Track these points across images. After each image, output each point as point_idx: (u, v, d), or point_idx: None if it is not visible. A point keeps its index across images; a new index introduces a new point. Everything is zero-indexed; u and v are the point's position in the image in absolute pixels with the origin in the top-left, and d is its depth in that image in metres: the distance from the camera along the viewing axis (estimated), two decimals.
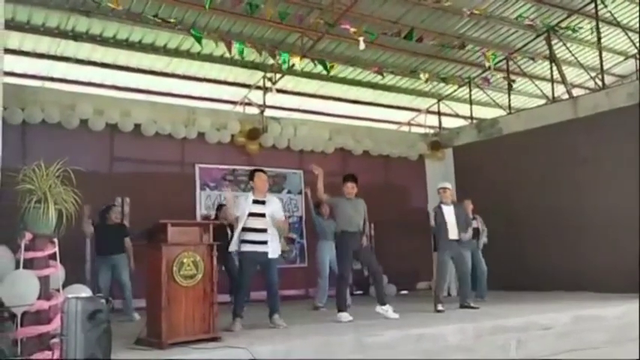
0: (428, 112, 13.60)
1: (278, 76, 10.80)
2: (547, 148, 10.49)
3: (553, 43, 11.34)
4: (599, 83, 11.02)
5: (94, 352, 4.16)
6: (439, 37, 10.83)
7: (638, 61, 12.15)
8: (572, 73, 12.58)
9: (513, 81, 12.18)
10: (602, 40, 11.03)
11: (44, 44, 9.45)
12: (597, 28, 10.65)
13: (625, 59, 13.08)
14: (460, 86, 12.81)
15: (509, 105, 12.38)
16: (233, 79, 11.29)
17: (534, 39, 11.53)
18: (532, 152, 10.74)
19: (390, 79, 12.14)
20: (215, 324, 5.30)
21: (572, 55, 11.66)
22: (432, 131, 13.48)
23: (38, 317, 4.40)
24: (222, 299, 6.73)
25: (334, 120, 12.68)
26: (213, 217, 9.18)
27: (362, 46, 9.00)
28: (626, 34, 11.29)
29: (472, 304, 7.68)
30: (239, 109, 11.42)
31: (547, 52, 11.53)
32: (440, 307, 7.37)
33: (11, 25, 8.78)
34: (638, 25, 11.36)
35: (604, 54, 11.15)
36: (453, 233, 7.78)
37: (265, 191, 6.48)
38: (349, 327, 6.10)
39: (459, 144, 12.62)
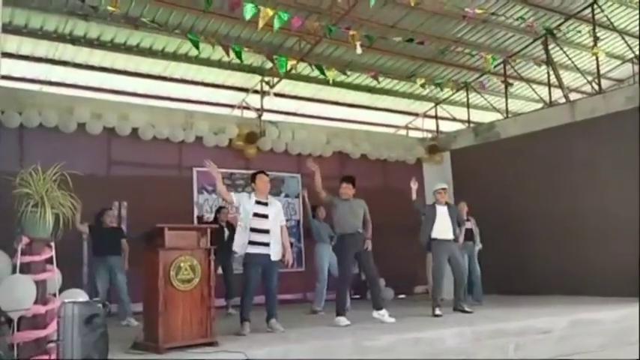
0: (425, 115, 13.63)
1: (276, 79, 10.81)
2: (544, 151, 10.49)
3: (550, 47, 11.37)
4: (596, 87, 11.05)
5: (91, 356, 4.15)
6: (437, 41, 10.87)
7: (638, 66, 12.16)
8: (569, 77, 12.62)
9: (511, 84, 12.21)
10: (599, 44, 11.06)
11: (42, 48, 9.44)
12: (594, 32, 10.69)
13: (622, 63, 13.12)
14: (457, 90, 12.84)
15: (507, 109, 12.40)
16: (231, 83, 11.30)
17: (531, 43, 11.56)
18: (529, 156, 10.75)
19: (387, 83, 12.17)
20: (212, 328, 5.28)
21: (569, 59, 11.69)
22: (429, 135, 13.50)
23: (35, 322, 4.38)
24: (218, 303, 6.72)
25: (332, 124, 12.68)
26: (212, 219, 9.16)
27: (359, 50, 9.02)
28: (623, 38, 11.32)
29: (466, 308, 7.66)
30: (237, 112, 11.43)
31: (544, 56, 11.57)
32: (438, 312, 7.35)
33: (9, 28, 8.78)
34: (633, 28, 11.43)
35: (601, 58, 11.18)
36: (447, 233, 7.77)
37: (267, 193, 6.47)
38: (347, 331, 6.10)
39: (457, 148, 12.63)
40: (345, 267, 6.96)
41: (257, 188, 6.41)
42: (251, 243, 6.16)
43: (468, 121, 12.95)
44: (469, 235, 9.25)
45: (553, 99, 11.84)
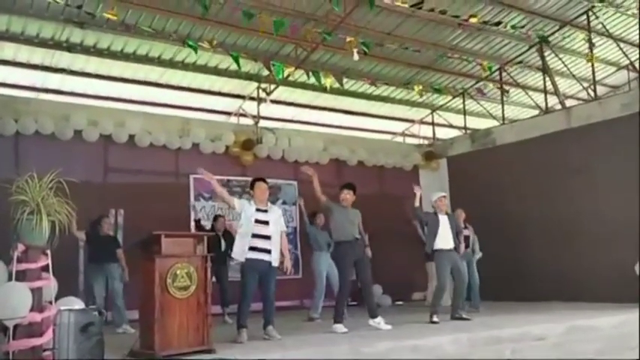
0: (422, 122, 13.65)
1: (272, 86, 10.83)
2: (540, 158, 10.52)
3: (546, 54, 11.42)
4: (592, 94, 11.10)
5: None
6: (433, 48, 10.91)
7: (636, 72, 12.21)
8: (564, 84, 12.67)
9: (507, 91, 12.25)
10: (595, 51, 11.11)
11: (38, 55, 9.44)
12: (590, 40, 10.74)
13: (617, 70, 13.18)
14: (454, 97, 12.88)
15: (503, 115, 12.44)
16: (227, 90, 11.30)
17: (527, 50, 11.61)
18: (526, 162, 10.78)
19: (384, 90, 12.19)
20: (209, 335, 5.26)
21: (565, 65, 11.74)
22: (426, 142, 13.53)
23: (31, 330, 4.36)
24: (214, 311, 6.69)
25: (329, 130, 12.70)
26: (209, 228, 9.15)
27: (356, 57, 9.05)
28: (619, 45, 11.38)
29: (464, 316, 7.65)
30: (233, 120, 11.44)
31: (540, 63, 11.61)
32: (435, 319, 7.34)
33: (5, 35, 8.81)
34: (628, 35, 11.50)
35: (596, 65, 11.22)
36: (449, 243, 7.77)
37: (265, 200, 6.46)
38: (344, 338, 6.08)
39: (453, 154, 12.66)
40: (345, 275, 6.94)
41: (255, 196, 6.40)
42: (252, 249, 6.15)
43: (465, 128, 12.98)
44: (467, 243, 9.24)
45: (549, 105, 11.88)
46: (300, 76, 10.54)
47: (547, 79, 11.59)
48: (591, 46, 10.77)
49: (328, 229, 7.59)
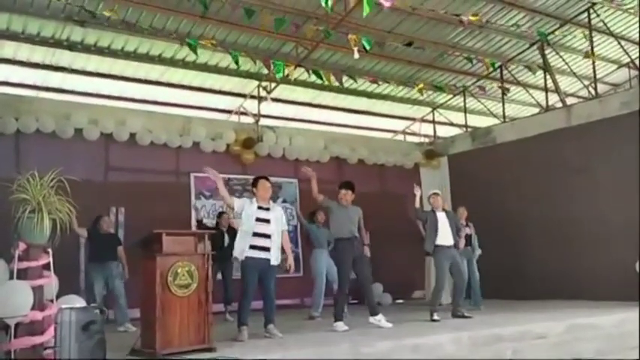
0: (423, 120, 13.65)
1: (273, 85, 10.82)
2: (541, 156, 10.52)
3: (546, 52, 11.41)
4: (593, 92, 11.09)
5: None
6: (434, 47, 10.91)
7: (636, 70, 12.21)
8: (565, 82, 12.65)
9: (507, 89, 12.25)
10: (595, 49, 11.10)
11: (39, 54, 9.44)
12: (590, 38, 10.72)
13: (618, 68, 13.17)
14: (454, 95, 12.88)
15: (504, 114, 12.44)
16: (228, 88, 11.30)
17: (528, 48, 11.60)
18: (526, 160, 10.78)
19: (385, 88, 12.18)
20: (210, 334, 5.26)
21: (566, 63, 11.73)
22: (427, 140, 13.52)
23: (32, 328, 4.37)
24: (216, 309, 6.70)
25: (329, 129, 12.70)
26: (214, 224, 9.13)
27: (356, 55, 9.04)
28: (619, 43, 11.36)
29: (465, 314, 7.66)
30: (234, 118, 11.43)
31: (540, 61, 11.60)
32: (435, 317, 7.35)
33: (6, 34, 8.80)
34: (629, 33, 11.48)
35: (597, 62, 11.21)
36: (448, 239, 7.78)
37: (268, 199, 6.46)
38: (345, 337, 6.08)
39: (454, 152, 12.66)
40: (343, 273, 6.95)
41: (258, 194, 6.39)
42: (252, 247, 6.14)
43: (466, 126, 12.97)
44: (468, 241, 9.25)
45: (550, 103, 11.87)
46: (300, 74, 10.53)
47: (548, 77, 11.59)
48: (592, 44, 10.75)
49: (329, 226, 7.60)
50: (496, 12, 10.29)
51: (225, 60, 10.23)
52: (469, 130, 12.85)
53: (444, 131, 13.66)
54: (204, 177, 10.04)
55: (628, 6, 10.53)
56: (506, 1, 10.10)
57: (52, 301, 4.60)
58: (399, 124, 13.79)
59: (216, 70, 10.62)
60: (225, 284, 8.55)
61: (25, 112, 8.70)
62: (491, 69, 11.42)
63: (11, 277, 4.41)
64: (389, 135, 13.83)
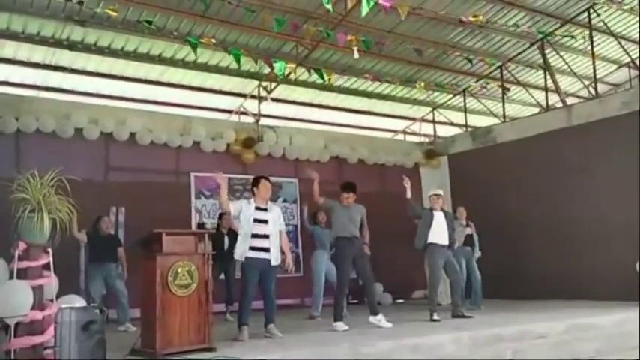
0: (423, 120, 13.65)
1: (273, 85, 10.82)
2: (541, 156, 10.52)
3: (546, 52, 11.41)
4: (593, 92, 11.09)
5: None
6: (434, 46, 10.90)
7: (636, 70, 12.21)
8: (565, 82, 12.65)
9: (508, 89, 12.25)
10: (596, 49, 11.10)
11: (39, 53, 9.44)
12: (591, 37, 10.72)
13: (618, 68, 13.17)
14: (455, 95, 12.87)
15: (504, 113, 12.44)
16: (228, 88, 11.30)
17: (528, 48, 11.59)
18: (526, 160, 10.78)
19: (385, 88, 12.18)
20: (210, 334, 5.26)
21: (566, 63, 11.73)
22: (427, 139, 13.52)
23: (32, 327, 4.38)
24: (218, 309, 6.70)
25: (329, 129, 12.70)
26: (215, 225, 9.12)
27: (356, 55, 9.03)
28: (619, 42, 11.36)
29: (465, 313, 7.65)
30: (234, 118, 11.43)
31: (541, 60, 11.60)
32: (435, 317, 7.34)
33: (6, 34, 8.80)
34: (629, 33, 11.48)
35: (597, 62, 11.20)
36: (443, 239, 7.77)
37: (267, 199, 6.46)
38: (345, 336, 6.08)
39: (454, 152, 12.66)
40: (342, 271, 6.95)
41: (258, 194, 6.38)
42: (251, 248, 6.15)
43: (466, 126, 12.97)
44: (469, 241, 9.25)
45: (550, 103, 11.87)
46: (301, 74, 10.53)
47: (548, 76, 11.59)
48: (592, 43, 10.75)
49: (330, 226, 7.60)
50: (496, 12, 10.29)
51: (225, 60, 10.23)
52: (469, 129, 12.85)
53: (444, 131, 13.67)
54: (205, 177, 10.10)
55: (628, 6, 10.53)
56: (506, 1, 10.11)
57: (52, 300, 4.60)
58: (399, 124, 13.79)
59: (216, 69, 10.62)
60: (228, 284, 8.54)
61: (25, 112, 8.70)
62: (492, 68, 11.41)
63: (11, 277, 4.42)
64: (389, 135, 13.83)
